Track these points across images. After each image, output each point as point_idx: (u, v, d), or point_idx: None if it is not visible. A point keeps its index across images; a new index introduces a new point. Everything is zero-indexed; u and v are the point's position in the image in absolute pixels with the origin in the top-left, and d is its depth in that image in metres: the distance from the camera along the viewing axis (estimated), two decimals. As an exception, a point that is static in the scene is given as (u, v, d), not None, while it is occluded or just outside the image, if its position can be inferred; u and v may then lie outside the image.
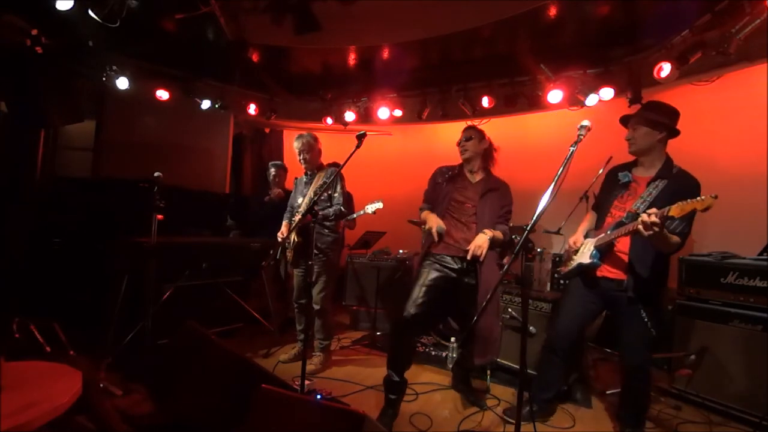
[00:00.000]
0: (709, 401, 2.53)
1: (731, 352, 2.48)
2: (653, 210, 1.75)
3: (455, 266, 2.38)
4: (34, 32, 3.16)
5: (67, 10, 2.97)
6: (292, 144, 3.15)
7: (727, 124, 3.65)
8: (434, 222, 2.36)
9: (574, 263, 2.26)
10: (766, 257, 2.65)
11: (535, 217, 1.60)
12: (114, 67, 4.04)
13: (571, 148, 1.80)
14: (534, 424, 2.09)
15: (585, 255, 2.19)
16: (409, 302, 2.31)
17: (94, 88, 4.20)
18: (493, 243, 2.30)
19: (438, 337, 3.68)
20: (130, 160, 4.41)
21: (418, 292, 2.32)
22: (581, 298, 2.26)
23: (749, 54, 3.06)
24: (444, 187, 2.52)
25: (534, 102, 4.29)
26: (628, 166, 2.27)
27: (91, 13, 3.00)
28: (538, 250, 3.58)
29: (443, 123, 5.04)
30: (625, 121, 2.24)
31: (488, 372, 2.89)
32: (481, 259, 2.26)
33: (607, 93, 3.78)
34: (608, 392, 2.77)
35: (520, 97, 4.33)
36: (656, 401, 2.69)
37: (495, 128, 5.28)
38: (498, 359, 3.05)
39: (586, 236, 2.29)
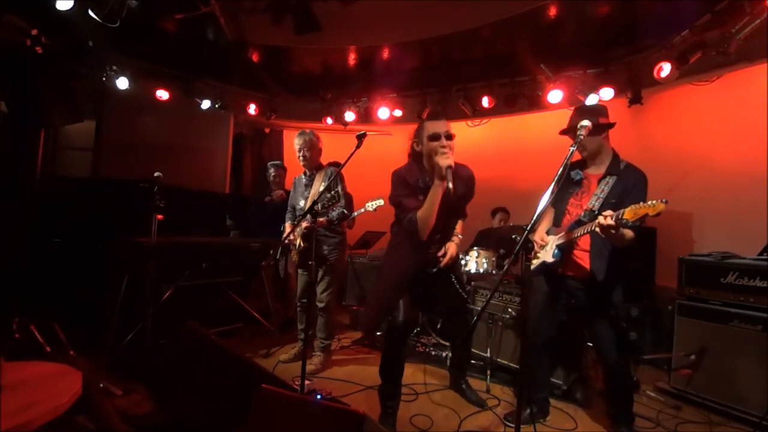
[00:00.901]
0: (709, 401, 2.53)
1: (731, 352, 2.47)
2: (609, 212, 1.82)
3: (431, 272, 2.33)
4: (34, 32, 3.16)
5: (67, 10, 2.98)
6: (293, 142, 3.14)
7: (727, 124, 3.65)
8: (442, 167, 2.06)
9: (537, 261, 2.29)
10: (766, 257, 2.65)
11: (535, 217, 1.60)
12: (114, 67, 4.04)
13: (571, 148, 1.80)
14: (534, 426, 2.09)
15: (548, 253, 2.22)
16: (398, 310, 2.29)
17: (94, 88, 4.20)
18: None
19: (438, 337, 3.68)
20: (130, 160, 4.42)
21: (403, 300, 2.30)
22: (549, 296, 2.30)
23: (749, 54, 3.07)
24: (421, 204, 2.22)
25: (534, 102, 4.29)
26: (579, 164, 2.32)
27: (91, 13, 3.00)
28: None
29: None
30: (566, 133, 2.26)
31: (488, 372, 2.90)
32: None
33: (607, 93, 3.79)
34: (608, 392, 2.76)
35: (520, 97, 4.33)
36: (656, 401, 2.69)
37: (495, 128, 5.30)
38: (498, 359, 3.05)
39: (548, 233, 2.31)
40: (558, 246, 2.18)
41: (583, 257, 2.17)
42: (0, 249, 3.18)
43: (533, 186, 4.12)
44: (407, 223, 2.18)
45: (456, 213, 2.39)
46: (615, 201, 2.01)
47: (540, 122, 4.84)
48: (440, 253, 2.30)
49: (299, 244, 3.02)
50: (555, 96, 4.01)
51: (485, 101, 4.44)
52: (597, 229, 1.86)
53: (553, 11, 3.30)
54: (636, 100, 3.71)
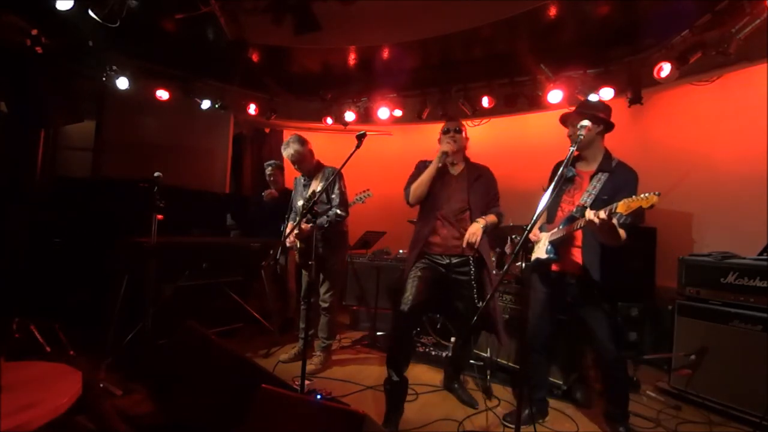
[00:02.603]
0: (709, 401, 2.53)
1: (731, 352, 2.48)
2: (600, 211, 1.82)
3: (443, 262, 2.43)
4: (34, 32, 3.16)
5: (67, 10, 2.97)
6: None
7: (727, 124, 3.65)
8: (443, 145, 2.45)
9: (531, 258, 2.29)
10: (766, 257, 2.65)
11: (535, 217, 1.60)
12: (114, 67, 4.04)
13: (571, 148, 1.81)
14: (534, 426, 2.09)
15: (541, 250, 2.23)
16: (404, 298, 2.34)
17: (94, 88, 4.21)
18: (486, 229, 2.38)
19: (438, 337, 3.68)
20: (130, 160, 4.42)
21: (411, 287, 2.35)
22: (543, 293, 2.30)
23: (749, 54, 3.06)
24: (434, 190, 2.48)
25: (534, 102, 4.29)
26: (571, 161, 2.31)
27: (91, 13, 3.00)
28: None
29: (443, 123, 5.04)
30: (564, 119, 2.30)
31: (488, 372, 2.89)
32: (476, 245, 2.32)
33: (607, 93, 3.78)
34: (608, 392, 2.76)
35: (520, 97, 4.33)
36: (656, 401, 2.69)
37: (495, 128, 5.30)
38: (498, 359, 3.05)
39: (541, 230, 2.31)
40: (551, 242, 2.19)
41: (576, 253, 2.17)
42: (0, 249, 3.18)
43: (533, 186, 4.10)
44: (404, 194, 2.54)
45: (475, 200, 2.46)
46: (606, 197, 2.03)
47: (540, 122, 4.84)
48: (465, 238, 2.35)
49: (298, 245, 3.03)
50: (555, 96, 4.00)
51: (485, 101, 4.44)
52: (591, 219, 1.87)
53: (553, 11, 3.30)
54: (636, 100, 3.70)
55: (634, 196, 1.71)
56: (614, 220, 1.86)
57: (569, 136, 2.26)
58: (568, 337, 2.67)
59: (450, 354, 3.04)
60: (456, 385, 2.74)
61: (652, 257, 3.72)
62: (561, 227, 2.14)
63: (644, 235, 3.74)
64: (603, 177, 2.13)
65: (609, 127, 2.23)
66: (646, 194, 1.68)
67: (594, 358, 3.23)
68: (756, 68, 3.26)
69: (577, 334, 2.68)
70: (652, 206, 1.67)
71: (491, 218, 2.45)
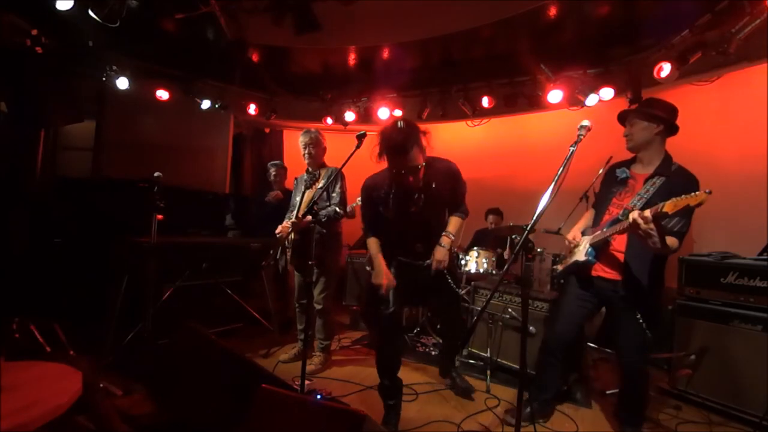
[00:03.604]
0: (709, 401, 2.53)
1: (731, 352, 2.48)
2: (646, 211, 1.73)
3: (415, 265, 2.34)
4: (34, 32, 3.16)
5: (67, 10, 2.97)
6: (296, 142, 3.14)
7: (727, 124, 3.65)
8: (383, 277, 2.22)
9: (570, 261, 2.25)
10: (766, 257, 2.65)
11: (535, 217, 1.60)
12: (114, 67, 4.05)
13: (571, 148, 1.80)
14: (534, 426, 2.08)
15: (581, 253, 2.17)
16: (383, 304, 2.27)
17: (94, 88, 4.20)
18: (452, 246, 2.33)
19: (438, 337, 3.68)
20: (130, 160, 4.42)
21: (391, 292, 2.27)
22: (576, 298, 2.25)
23: (749, 54, 3.07)
24: (387, 206, 2.27)
25: (534, 102, 4.29)
26: (627, 163, 2.25)
27: (91, 13, 3.00)
28: (538, 250, 3.58)
29: (443, 123, 5.04)
30: (623, 117, 2.22)
31: (488, 372, 2.90)
32: (445, 266, 2.29)
33: (607, 93, 3.79)
34: (608, 392, 2.76)
35: (520, 97, 4.33)
36: (656, 401, 2.69)
37: (495, 128, 5.30)
38: (498, 359, 3.05)
39: (583, 234, 2.27)
40: (592, 245, 2.11)
41: (618, 258, 2.08)
42: (0, 249, 3.18)
43: (533, 186, 4.11)
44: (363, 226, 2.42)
45: (437, 208, 2.31)
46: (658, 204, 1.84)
47: (540, 122, 4.84)
48: (427, 262, 2.28)
49: (292, 237, 3.01)
50: (555, 96, 4.01)
51: (485, 101, 4.44)
52: (636, 221, 1.73)
53: (553, 11, 3.30)
54: (636, 100, 3.70)
55: (683, 195, 1.61)
56: (658, 224, 1.72)
57: (625, 135, 2.17)
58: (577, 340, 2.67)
59: (441, 347, 3.07)
60: (453, 374, 2.78)
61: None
62: (604, 230, 2.05)
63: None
64: (658, 181, 2.00)
65: (672, 128, 2.09)
66: (695, 192, 1.61)
67: (597, 359, 3.24)
68: (756, 68, 3.26)
69: (578, 334, 2.68)
70: (700, 204, 1.59)
71: (456, 226, 2.35)
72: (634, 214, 1.74)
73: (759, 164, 3.28)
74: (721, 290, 2.62)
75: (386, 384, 2.30)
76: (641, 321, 2.02)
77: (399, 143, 2.01)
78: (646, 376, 2.15)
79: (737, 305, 2.53)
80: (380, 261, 2.27)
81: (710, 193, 1.58)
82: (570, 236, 2.28)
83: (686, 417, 2.49)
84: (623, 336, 2.11)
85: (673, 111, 2.10)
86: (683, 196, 1.62)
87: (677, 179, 1.99)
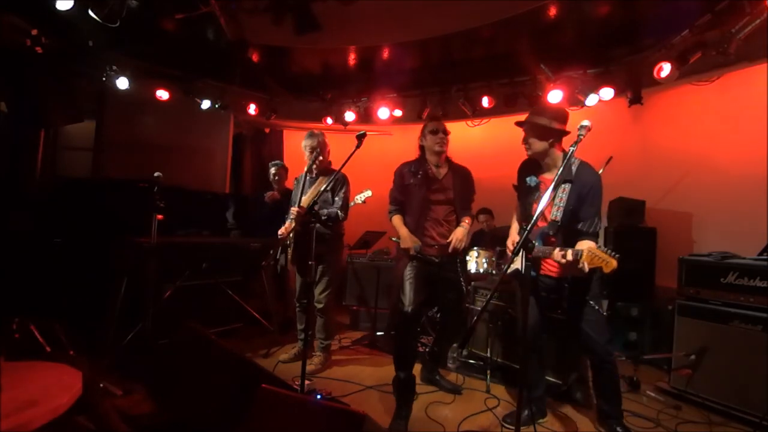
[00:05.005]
0: (709, 401, 2.53)
1: (731, 352, 2.47)
2: (568, 252, 1.87)
3: (435, 261, 2.54)
4: (34, 32, 3.16)
5: (67, 10, 2.97)
6: (296, 142, 3.16)
7: (727, 124, 3.65)
8: (409, 241, 2.50)
9: (512, 268, 2.25)
10: (766, 257, 2.65)
11: (535, 217, 1.60)
12: (114, 67, 4.04)
13: (571, 148, 1.81)
14: (534, 427, 2.09)
15: (519, 263, 2.17)
16: (405, 298, 2.42)
17: (94, 88, 4.20)
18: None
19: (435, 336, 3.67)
20: (130, 160, 4.41)
21: (410, 286, 2.44)
22: (533, 290, 2.30)
23: (749, 54, 3.07)
24: (416, 189, 2.56)
25: (534, 102, 4.28)
26: (532, 169, 2.30)
27: (91, 13, 3.00)
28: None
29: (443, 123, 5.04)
30: (521, 125, 2.29)
31: (488, 372, 2.90)
32: (461, 248, 2.51)
33: (607, 93, 3.78)
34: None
35: (520, 97, 4.33)
36: (656, 401, 2.69)
37: (495, 128, 5.30)
38: (498, 359, 3.05)
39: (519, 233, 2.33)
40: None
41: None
42: (0, 249, 3.18)
43: (533, 186, 4.10)
44: (389, 204, 2.70)
45: (459, 202, 2.59)
46: (572, 208, 2.08)
47: (540, 122, 4.84)
48: (448, 240, 2.49)
49: (292, 236, 3.02)
50: (555, 96, 4.00)
51: (485, 101, 4.44)
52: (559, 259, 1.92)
53: (553, 11, 3.30)
54: (636, 100, 3.70)
55: (601, 253, 1.75)
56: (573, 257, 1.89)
57: (523, 143, 2.27)
58: (568, 338, 2.67)
59: (452, 354, 3.06)
60: (437, 377, 2.83)
61: (652, 257, 3.72)
62: (536, 245, 2.08)
63: (644, 235, 3.74)
64: (567, 187, 2.12)
65: (562, 135, 2.20)
66: (608, 257, 1.73)
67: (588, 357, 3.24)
68: (756, 68, 3.26)
69: (572, 334, 2.68)
70: (612, 270, 1.72)
71: (468, 220, 2.60)
72: (557, 256, 1.91)
73: (759, 164, 3.28)
74: (721, 290, 2.62)
75: (402, 377, 2.37)
76: (595, 307, 2.14)
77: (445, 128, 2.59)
78: (614, 359, 2.21)
79: (737, 305, 2.53)
80: (405, 230, 2.54)
81: (618, 257, 1.73)
82: (509, 242, 2.39)
83: (686, 417, 2.49)
84: (585, 325, 2.16)
85: (561, 117, 2.19)
86: (600, 255, 1.75)
87: (582, 181, 2.10)
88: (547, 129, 2.15)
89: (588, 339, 2.18)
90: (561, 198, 2.11)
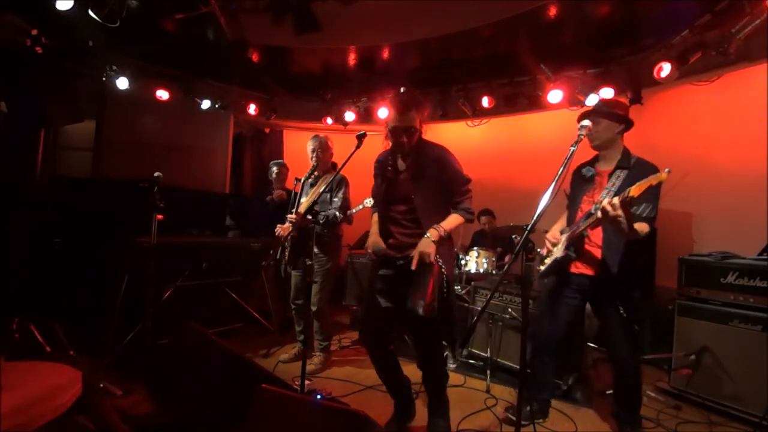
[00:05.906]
0: (709, 401, 2.53)
1: (731, 352, 2.48)
2: (614, 198, 1.79)
3: (399, 263, 2.07)
4: (34, 32, 3.16)
5: (67, 10, 2.97)
6: (296, 142, 3.17)
7: (727, 124, 3.65)
8: (370, 241, 2.15)
9: (550, 260, 2.29)
10: (766, 257, 2.65)
11: (535, 217, 1.60)
12: (114, 67, 4.04)
13: (571, 148, 1.81)
14: (534, 425, 2.08)
15: (559, 249, 2.22)
16: (368, 310, 2.22)
17: (94, 88, 4.20)
18: (441, 241, 1.98)
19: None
20: (130, 160, 4.41)
21: (371, 298, 2.15)
22: (559, 296, 2.29)
23: (749, 54, 3.07)
24: (379, 184, 2.22)
25: (534, 102, 4.29)
26: (590, 162, 2.34)
27: (91, 13, 3.00)
28: (538, 250, 3.57)
29: (443, 123, 5.04)
30: (584, 117, 2.26)
31: (488, 372, 2.90)
32: (430, 260, 1.93)
33: (607, 93, 3.78)
34: (608, 392, 2.76)
35: (520, 97, 4.33)
36: (656, 401, 2.69)
37: (495, 128, 5.30)
38: (498, 359, 3.05)
39: (561, 233, 2.30)
40: (569, 240, 2.17)
41: (596, 253, 2.15)
42: (0, 249, 3.18)
43: (533, 186, 4.10)
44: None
45: (421, 201, 2.04)
46: None
47: (540, 122, 4.84)
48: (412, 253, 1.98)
49: (290, 237, 3.01)
50: (555, 96, 4.00)
51: (485, 101, 4.44)
52: (606, 208, 1.78)
53: (553, 11, 3.30)
54: (636, 100, 3.70)
55: (645, 179, 1.71)
56: (626, 210, 1.78)
57: (587, 135, 2.19)
58: (569, 337, 2.67)
59: (452, 354, 3.06)
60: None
61: (652, 257, 3.72)
62: (580, 224, 2.12)
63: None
64: (622, 174, 2.12)
65: (629, 125, 2.23)
66: (656, 174, 1.70)
67: (598, 359, 3.24)
68: (756, 68, 3.26)
69: (578, 334, 2.68)
70: (661, 182, 1.69)
71: (452, 222, 2.04)
72: (604, 203, 1.81)
73: (759, 164, 3.28)
74: (721, 290, 2.62)
75: (389, 384, 2.28)
76: (623, 313, 2.08)
77: (400, 101, 2.04)
78: (638, 369, 2.18)
79: (737, 305, 2.53)
80: (373, 229, 2.22)
81: (670, 171, 1.67)
82: (549, 236, 2.34)
83: (686, 417, 2.49)
84: (609, 330, 2.16)
85: (627, 109, 2.26)
86: (645, 179, 1.71)
87: (638, 169, 2.09)
88: (620, 116, 2.18)
89: (614, 345, 2.15)
90: (614, 183, 2.11)
